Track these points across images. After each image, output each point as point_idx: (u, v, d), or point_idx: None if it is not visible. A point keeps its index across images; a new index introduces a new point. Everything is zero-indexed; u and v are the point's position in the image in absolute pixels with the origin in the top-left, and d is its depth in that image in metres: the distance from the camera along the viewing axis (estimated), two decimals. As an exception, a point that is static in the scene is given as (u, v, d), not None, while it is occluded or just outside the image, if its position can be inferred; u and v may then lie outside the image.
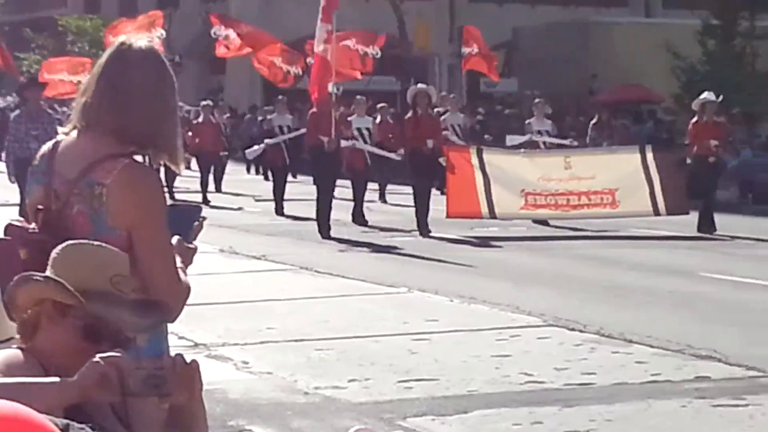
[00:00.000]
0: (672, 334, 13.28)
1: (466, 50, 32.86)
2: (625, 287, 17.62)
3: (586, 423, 9.72)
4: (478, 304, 15.76)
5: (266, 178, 38.42)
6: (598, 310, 15.39)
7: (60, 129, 4.95)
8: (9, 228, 4.50)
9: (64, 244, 3.77)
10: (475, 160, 24.73)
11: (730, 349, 12.50)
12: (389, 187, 32.19)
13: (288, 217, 28.19)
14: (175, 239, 4.59)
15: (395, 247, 22.41)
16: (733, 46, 43.25)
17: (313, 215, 24.65)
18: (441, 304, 15.89)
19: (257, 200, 33.05)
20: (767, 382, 11.36)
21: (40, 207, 4.53)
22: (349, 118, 26.69)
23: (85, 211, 4.35)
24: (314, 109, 24.88)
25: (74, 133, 4.61)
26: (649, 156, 25.33)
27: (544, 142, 29.24)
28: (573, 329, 13.86)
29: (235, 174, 41.58)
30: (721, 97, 26.73)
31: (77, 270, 3.68)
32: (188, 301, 4.50)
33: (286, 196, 29.00)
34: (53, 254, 3.73)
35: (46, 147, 4.81)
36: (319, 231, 23.30)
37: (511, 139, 28.70)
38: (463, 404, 10.39)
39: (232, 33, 30.97)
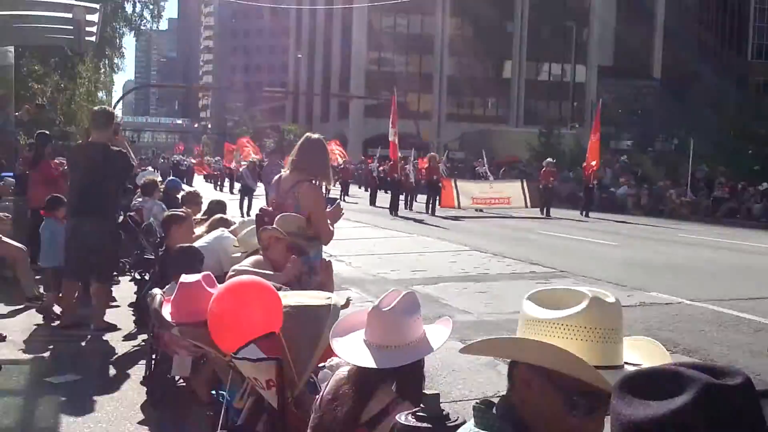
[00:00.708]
0: (523, 255, 15.30)
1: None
2: (506, 236, 20.41)
3: (485, 288, 11.32)
4: (446, 242, 18.19)
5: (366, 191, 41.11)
6: (495, 245, 17.16)
7: (282, 170, 6.15)
8: (261, 209, 5.86)
9: (281, 215, 5.26)
10: (453, 184, 29.42)
11: (543, 260, 14.62)
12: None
13: (377, 206, 30.94)
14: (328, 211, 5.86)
15: (415, 219, 25.69)
16: (551, 142, 51.49)
17: (387, 205, 28.45)
18: (431, 241, 18.28)
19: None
20: (559, 273, 13.10)
21: (273, 200, 5.95)
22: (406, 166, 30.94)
23: (291, 203, 5.52)
24: (392, 162, 29.64)
25: (287, 171, 5.85)
26: (524, 184, 30.18)
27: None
28: (482, 251, 15.96)
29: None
30: (555, 160, 32.52)
31: (285, 224, 5.14)
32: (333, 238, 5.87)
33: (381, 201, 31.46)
34: (276, 219, 5.20)
35: (276, 176, 6.09)
36: (390, 212, 27.44)
37: None
38: (436, 280, 12.09)
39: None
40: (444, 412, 2.04)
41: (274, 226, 5.14)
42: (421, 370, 2.85)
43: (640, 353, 1.91)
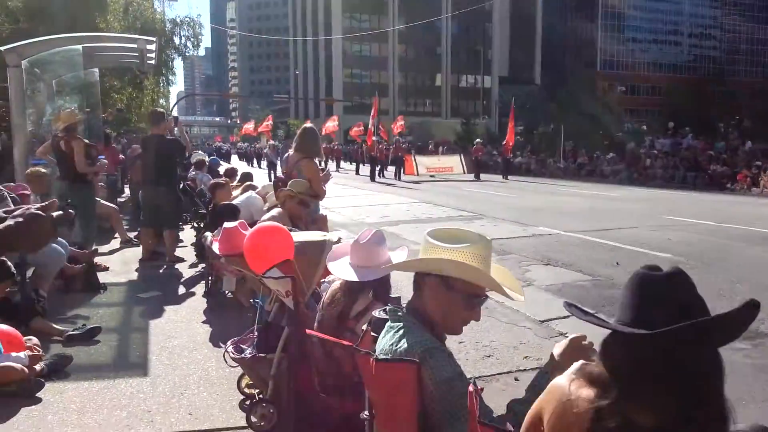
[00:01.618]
0: (455, 205, 14.75)
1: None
2: (446, 192, 18.53)
3: (430, 227, 9.18)
4: (403, 197, 17.19)
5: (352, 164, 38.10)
6: (438, 198, 16.65)
7: (290, 150, 5.95)
8: (276, 177, 6.46)
9: (292, 180, 5.20)
10: (413, 158, 27.68)
11: (468, 207, 14.16)
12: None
13: (363, 175, 28.49)
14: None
15: (387, 183, 23.76)
16: (469, 128, 51.27)
17: (367, 173, 27.05)
18: (399, 199, 16.77)
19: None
20: (478, 216, 12.37)
21: (284, 172, 5.92)
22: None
23: (296, 173, 5.39)
24: (370, 144, 27.54)
25: (292, 151, 5.69)
26: (461, 156, 28.43)
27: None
28: (427, 203, 15.31)
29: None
30: (482, 140, 32.16)
31: (296, 186, 5.07)
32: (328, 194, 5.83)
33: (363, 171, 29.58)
34: (289, 183, 5.13)
35: (286, 155, 6.28)
36: (370, 178, 25.65)
37: None
38: (396, 222, 11.50)
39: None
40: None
41: (288, 187, 5.08)
42: (388, 281, 2.88)
43: (498, 274, 1.98)
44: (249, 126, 42.93)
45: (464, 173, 27.35)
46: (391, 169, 28.04)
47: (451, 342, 4.38)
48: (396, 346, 1.79)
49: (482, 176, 26.48)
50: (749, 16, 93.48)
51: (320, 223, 5.37)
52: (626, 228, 10.68)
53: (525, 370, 4.11)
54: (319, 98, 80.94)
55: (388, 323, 1.91)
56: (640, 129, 37.47)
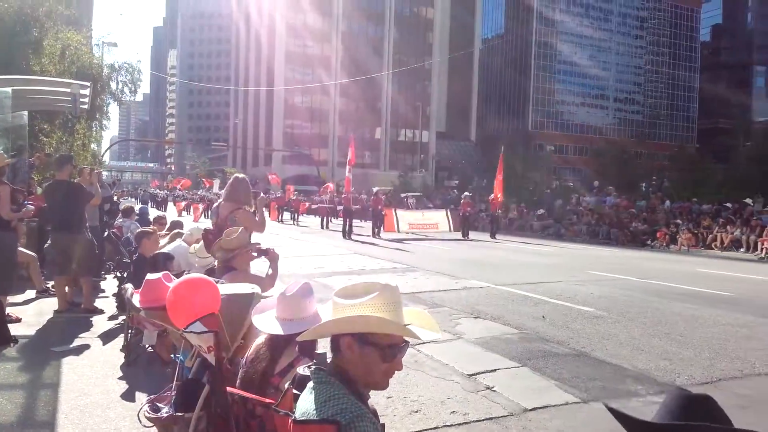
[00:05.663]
0: (392, 258, 14.87)
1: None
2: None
3: (362, 278, 9.59)
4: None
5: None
6: (382, 254, 16.01)
7: (220, 199, 5.68)
8: (205, 230, 5.38)
9: (226, 230, 4.45)
10: (393, 212, 24.67)
11: (404, 260, 14.12)
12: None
13: (332, 230, 26.28)
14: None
15: (359, 240, 21.01)
16: (407, 181, 51.26)
17: (339, 229, 23.33)
18: (335, 250, 16.35)
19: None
20: (411, 269, 12.32)
21: (214, 223, 5.51)
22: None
23: (230, 223, 5.01)
24: (347, 196, 24.46)
25: (222, 201, 5.49)
26: (448, 212, 25.81)
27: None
28: (362, 255, 15.25)
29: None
30: (471, 194, 28.93)
31: (229, 236, 4.30)
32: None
33: (333, 227, 27.48)
34: (224, 233, 4.38)
35: (215, 205, 5.86)
36: (343, 235, 22.08)
37: None
38: (330, 273, 11.22)
39: None
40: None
41: (221, 241, 4.57)
42: (314, 336, 2.82)
43: (414, 317, 1.98)
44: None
45: (450, 230, 24.67)
46: (362, 223, 25.46)
47: (379, 397, 4.36)
48: (319, 409, 1.73)
49: (471, 234, 24.00)
50: (670, 84, 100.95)
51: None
52: (553, 282, 10.97)
53: (451, 425, 4.07)
54: (259, 147, 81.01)
55: (310, 383, 1.86)
56: (567, 186, 39.06)
